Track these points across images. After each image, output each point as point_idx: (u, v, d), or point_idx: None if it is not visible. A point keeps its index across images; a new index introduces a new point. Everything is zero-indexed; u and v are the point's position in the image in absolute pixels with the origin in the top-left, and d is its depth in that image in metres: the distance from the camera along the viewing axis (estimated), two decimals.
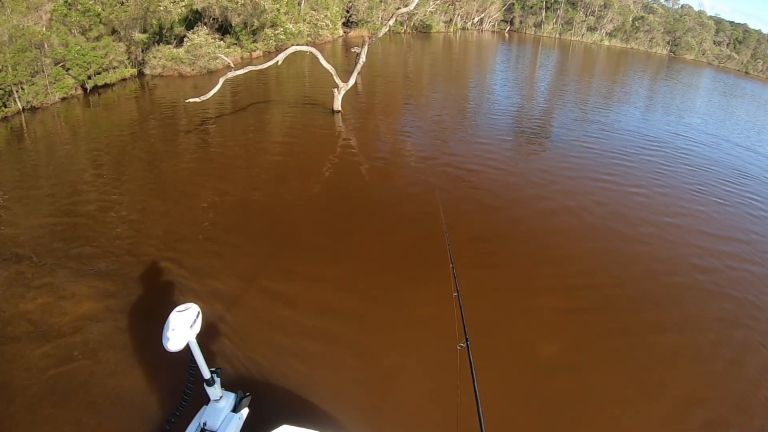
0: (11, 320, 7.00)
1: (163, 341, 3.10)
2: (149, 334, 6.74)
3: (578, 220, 11.81)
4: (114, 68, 19.72)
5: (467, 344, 4.20)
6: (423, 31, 52.83)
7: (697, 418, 6.60)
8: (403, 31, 49.95)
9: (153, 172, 12.16)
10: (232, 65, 19.01)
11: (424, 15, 51.22)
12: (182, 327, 3.20)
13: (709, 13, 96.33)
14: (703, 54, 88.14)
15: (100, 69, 18.82)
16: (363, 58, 18.28)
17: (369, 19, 44.91)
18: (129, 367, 6.40)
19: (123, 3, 20.85)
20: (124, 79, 20.32)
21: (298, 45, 18.43)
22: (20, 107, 15.68)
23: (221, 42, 24.54)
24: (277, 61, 16.47)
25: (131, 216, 9.98)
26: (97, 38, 19.47)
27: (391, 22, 19.60)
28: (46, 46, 16.84)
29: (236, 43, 26.54)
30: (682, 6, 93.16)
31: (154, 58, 21.38)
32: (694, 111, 31.31)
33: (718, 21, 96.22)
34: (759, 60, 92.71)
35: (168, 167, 12.53)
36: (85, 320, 7.06)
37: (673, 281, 9.78)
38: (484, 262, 9.55)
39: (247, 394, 3.92)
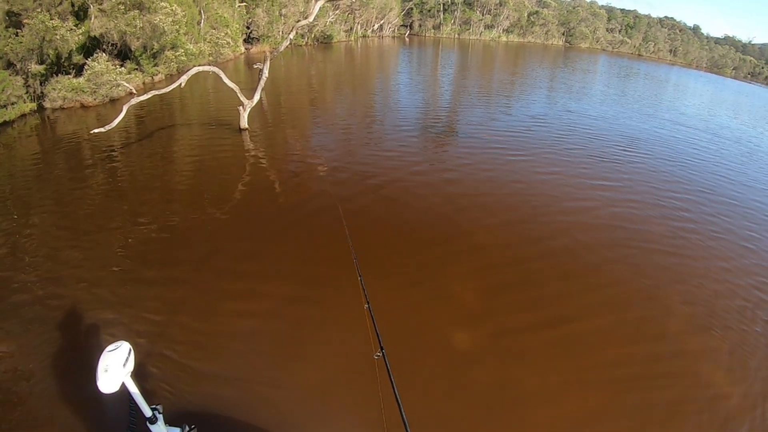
0: None
1: (98, 383, 3.08)
2: (79, 379, 6.72)
3: (494, 215, 12.97)
4: (12, 104, 19.28)
5: (383, 353, 4.38)
6: (324, 41, 53.65)
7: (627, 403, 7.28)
8: (304, 43, 50.54)
9: (63, 213, 11.81)
10: (134, 91, 19.09)
11: (325, 26, 52.08)
12: (115, 366, 3.16)
13: (600, 3, 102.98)
14: (597, 42, 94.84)
15: None
16: (266, 74, 18.88)
17: (270, 34, 45.22)
18: (60, 417, 6.24)
19: (17, 34, 20.45)
20: (23, 115, 19.75)
21: (200, 65, 18.67)
22: None
23: (122, 68, 24.31)
24: (180, 84, 16.66)
25: (41, 266, 9.60)
26: None
27: (291, 36, 20.20)
28: None
29: (137, 68, 26.31)
30: None
31: (54, 89, 20.95)
32: (590, 93, 34.95)
33: (610, 9, 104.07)
34: (650, 42, 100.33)
35: (78, 206, 12.27)
36: (10, 380, 6.79)
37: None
38: (394, 263, 10.17)
39: (192, 426, 4.04)
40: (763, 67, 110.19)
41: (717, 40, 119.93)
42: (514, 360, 7.77)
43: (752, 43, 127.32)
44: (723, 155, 22.27)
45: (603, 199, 14.66)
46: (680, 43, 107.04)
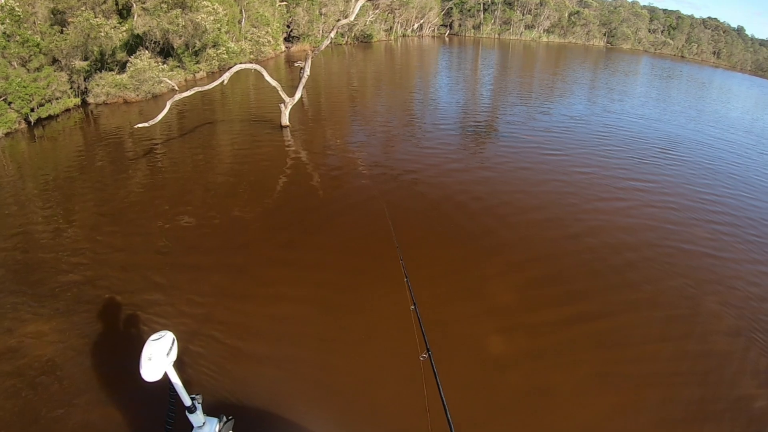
0: None
1: (141, 371, 3.09)
2: (120, 367, 6.82)
3: (531, 211, 12.59)
4: (57, 99, 19.54)
5: (429, 354, 4.35)
6: (364, 41, 53.51)
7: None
8: (344, 42, 50.49)
9: (104, 203, 12.04)
10: (177, 88, 19.18)
11: (365, 25, 51.95)
12: (159, 356, 3.17)
13: (642, 3, 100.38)
14: (639, 42, 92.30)
15: (43, 100, 18.65)
16: (307, 72, 18.70)
17: (310, 33, 45.31)
18: (102, 403, 6.34)
19: (62, 31, 20.73)
20: (68, 110, 20.11)
21: (242, 63, 18.61)
22: None
23: (164, 65, 24.57)
24: (223, 81, 16.68)
25: (86, 249, 9.78)
26: (38, 69, 19.28)
27: (332, 35, 20.00)
28: None
29: (179, 66, 26.57)
30: None
31: (98, 85, 21.23)
32: (632, 94, 33.80)
33: (652, 10, 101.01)
34: (693, 43, 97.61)
35: (119, 196, 12.45)
36: (49, 360, 6.96)
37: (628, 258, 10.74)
38: (435, 261, 9.91)
39: (230, 417, 3.92)
40: None
41: (762, 42, 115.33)
42: (551, 363, 7.52)
43: None
44: (765, 160, 21.10)
45: (639, 199, 14.03)
46: (724, 45, 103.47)
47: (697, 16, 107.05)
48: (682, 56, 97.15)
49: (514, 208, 12.65)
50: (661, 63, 71.13)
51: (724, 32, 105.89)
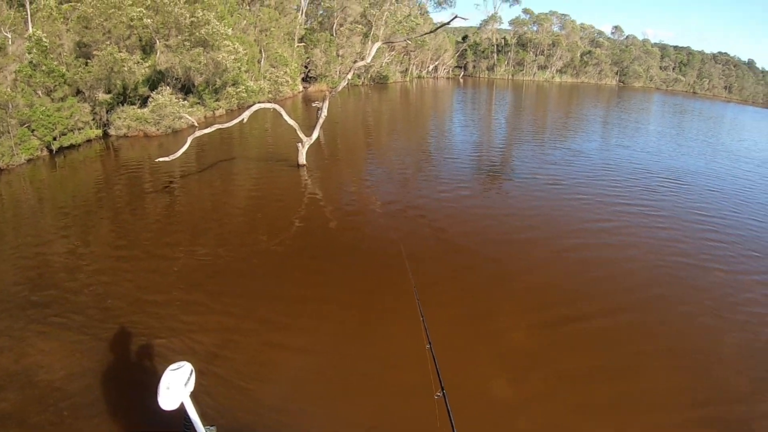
0: None
1: (158, 400, 3.12)
2: (132, 394, 6.81)
3: (548, 254, 12.47)
4: (79, 129, 19.97)
5: (443, 393, 4.30)
6: (380, 82, 54.57)
7: None
8: (361, 83, 51.49)
9: (121, 234, 12.18)
10: (196, 124, 19.43)
11: (381, 66, 52.98)
12: (177, 385, 3.21)
13: (652, 41, 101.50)
14: (651, 80, 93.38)
15: (66, 130, 19.09)
16: (324, 112, 18.92)
17: (327, 74, 46.24)
18: (116, 420, 6.33)
19: (87, 63, 21.23)
20: (89, 140, 20.54)
21: (261, 102, 18.93)
22: None
23: (185, 101, 25.04)
24: (243, 119, 16.89)
25: (102, 278, 9.96)
26: (62, 99, 19.80)
27: (349, 76, 20.29)
28: (11, 106, 17.09)
29: (199, 102, 27.10)
30: (627, 37, 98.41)
31: (119, 118, 21.69)
32: (643, 133, 34.47)
33: (663, 47, 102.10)
34: (704, 79, 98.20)
35: (136, 228, 12.59)
36: (61, 384, 6.95)
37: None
38: (450, 301, 9.87)
39: None
40: None
41: None
42: (574, 412, 7.33)
43: None
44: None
45: (652, 237, 14.11)
46: (735, 79, 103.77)
47: (707, 51, 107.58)
48: (694, 92, 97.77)
49: (532, 250, 12.61)
50: (673, 99, 71.88)
51: (734, 66, 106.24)
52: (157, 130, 22.41)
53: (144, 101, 23.29)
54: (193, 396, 3.36)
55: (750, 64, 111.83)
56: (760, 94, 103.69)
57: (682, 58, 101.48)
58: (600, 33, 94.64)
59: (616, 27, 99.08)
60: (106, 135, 21.74)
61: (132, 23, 23.17)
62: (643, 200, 17.24)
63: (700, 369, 8.56)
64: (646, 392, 7.83)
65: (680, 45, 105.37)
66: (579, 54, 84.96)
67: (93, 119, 21.14)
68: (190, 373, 3.35)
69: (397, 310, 9.25)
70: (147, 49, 25.72)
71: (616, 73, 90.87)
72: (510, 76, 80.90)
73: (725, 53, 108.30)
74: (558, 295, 10.54)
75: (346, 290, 10.14)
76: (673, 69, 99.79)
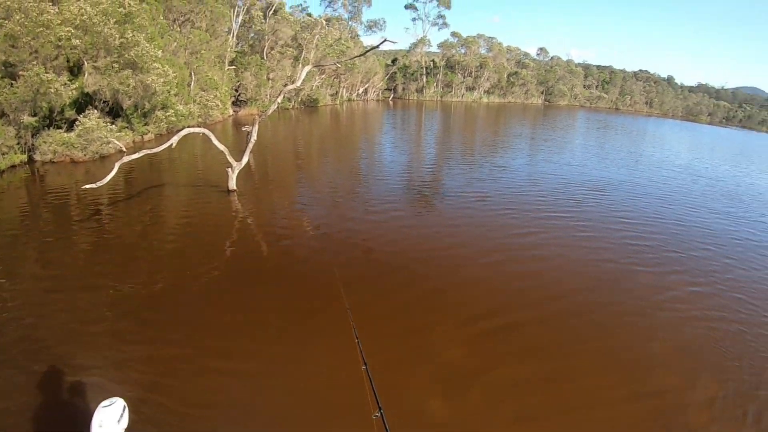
0: None
1: None
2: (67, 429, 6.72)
3: (477, 268, 13.37)
4: (3, 154, 19.63)
5: (381, 413, 4.46)
6: (310, 105, 55.20)
7: None
8: (291, 106, 52.00)
9: (48, 264, 11.92)
10: (124, 149, 19.34)
11: (311, 90, 53.77)
12: (110, 422, 3.27)
13: (576, 61, 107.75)
14: (575, 98, 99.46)
15: None
16: (254, 137, 19.36)
17: (258, 97, 46.64)
18: None
19: (12, 85, 20.85)
20: (13, 166, 20.17)
21: (190, 127, 19.02)
22: None
23: (113, 126, 24.84)
24: (171, 144, 16.88)
25: (29, 311, 9.76)
26: None
27: (279, 99, 20.84)
28: None
29: (127, 127, 26.91)
30: (552, 58, 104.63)
31: (45, 143, 21.35)
32: (568, 148, 38.01)
33: (586, 67, 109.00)
34: (627, 95, 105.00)
35: (64, 258, 12.32)
36: None
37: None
38: (388, 325, 10.15)
39: None
40: (737, 111, 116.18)
41: (691, 89, 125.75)
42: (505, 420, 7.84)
43: (725, 88, 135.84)
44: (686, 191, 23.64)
45: (577, 245, 15.62)
46: (655, 95, 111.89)
47: (628, 69, 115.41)
48: (617, 108, 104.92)
49: (462, 264, 13.47)
50: (597, 116, 77.68)
51: (654, 83, 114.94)
52: (84, 155, 22.14)
53: (71, 125, 22.97)
54: (130, 430, 3.48)
55: (669, 80, 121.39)
56: (679, 108, 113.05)
57: (605, 77, 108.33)
58: (526, 54, 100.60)
59: (541, 48, 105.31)
60: (31, 160, 21.31)
61: (60, 43, 22.86)
62: (569, 211, 19.02)
63: (632, 365, 9.54)
64: (582, 391, 8.57)
65: (603, 64, 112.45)
66: (506, 75, 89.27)
67: (18, 143, 20.78)
68: (123, 409, 3.45)
69: (334, 331, 9.43)
70: (75, 71, 25.33)
71: (542, 93, 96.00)
72: (439, 98, 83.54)
73: (646, 71, 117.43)
74: (488, 306, 11.18)
75: (282, 314, 10.34)
76: (597, 87, 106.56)
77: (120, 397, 3.55)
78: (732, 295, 13.07)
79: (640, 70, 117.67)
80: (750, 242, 17.72)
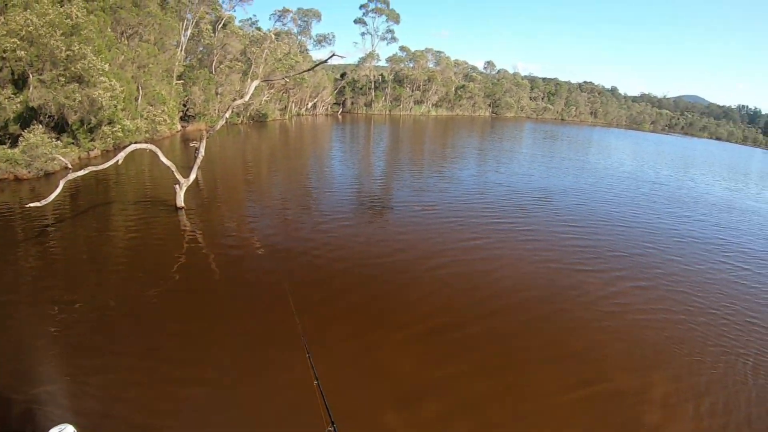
0: None
1: None
2: None
3: (423, 273, 14.19)
4: None
5: (334, 428, 4.58)
6: (259, 120, 55.40)
7: None
8: (240, 121, 52.05)
9: None
10: (70, 166, 19.21)
11: (260, 104, 54.05)
12: None
13: (523, 74, 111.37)
14: (522, 110, 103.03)
15: None
16: (202, 152, 19.60)
17: (206, 112, 46.63)
18: None
19: None
20: None
21: (137, 143, 19.06)
22: None
23: (58, 141, 24.60)
24: (117, 161, 16.82)
25: None
26: None
27: (227, 114, 21.13)
28: None
29: (73, 142, 26.70)
30: (499, 71, 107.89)
31: None
32: (514, 159, 39.86)
33: (532, 79, 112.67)
34: (572, 106, 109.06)
35: (9, 278, 12.30)
36: None
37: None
38: (340, 335, 10.54)
39: None
40: (679, 119, 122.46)
41: (634, 99, 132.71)
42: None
43: (667, 97, 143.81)
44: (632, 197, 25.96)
45: (522, 249, 16.85)
46: (600, 105, 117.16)
47: (573, 81, 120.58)
48: (563, 119, 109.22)
49: (408, 270, 14.26)
50: (543, 127, 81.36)
51: (599, 93, 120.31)
52: (29, 172, 21.87)
53: (15, 141, 22.68)
54: None
55: (613, 90, 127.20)
56: (623, 117, 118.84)
57: (551, 89, 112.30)
58: (473, 68, 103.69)
59: (488, 62, 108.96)
60: None
61: (5, 55, 22.59)
62: (514, 217, 20.37)
63: (579, 355, 10.55)
64: (534, 382, 9.45)
65: (549, 77, 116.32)
66: (454, 88, 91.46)
67: None
68: None
69: (286, 345, 9.57)
70: (19, 84, 25.03)
71: (489, 105, 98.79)
72: (387, 112, 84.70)
73: (590, 82, 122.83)
74: (437, 309, 12.04)
75: (231, 334, 10.40)
76: (543, 99, 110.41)
77: (72, 421, 3.69)
78: (675, 289, 14.49)
79: (585, 82, 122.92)
80: (691, 240, 19.47)
